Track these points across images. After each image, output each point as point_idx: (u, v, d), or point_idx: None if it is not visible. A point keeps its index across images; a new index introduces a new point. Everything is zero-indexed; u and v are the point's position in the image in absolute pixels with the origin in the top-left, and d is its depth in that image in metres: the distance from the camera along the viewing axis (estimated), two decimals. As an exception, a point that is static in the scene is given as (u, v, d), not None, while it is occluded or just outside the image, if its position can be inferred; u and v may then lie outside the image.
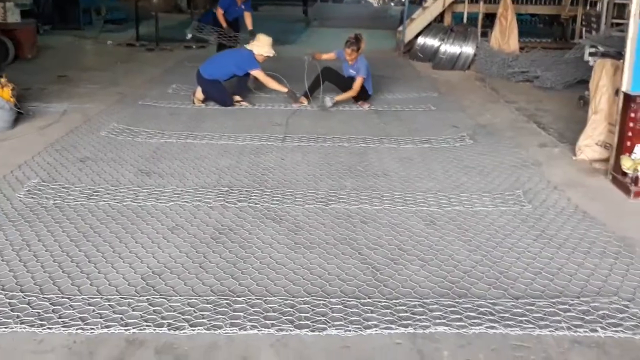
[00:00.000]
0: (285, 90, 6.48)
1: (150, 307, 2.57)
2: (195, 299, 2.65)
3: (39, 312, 2.52)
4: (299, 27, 15.26)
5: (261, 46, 6.38)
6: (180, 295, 2.68)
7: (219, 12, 7.96)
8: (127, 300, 2.62)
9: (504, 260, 3.08)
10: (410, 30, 10.84)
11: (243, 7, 8.06)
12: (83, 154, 4.67)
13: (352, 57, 6.42)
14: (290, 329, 2.45)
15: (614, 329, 2.49)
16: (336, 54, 6.69)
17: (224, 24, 7.95)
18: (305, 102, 6.51)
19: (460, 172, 4.47)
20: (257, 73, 6.38)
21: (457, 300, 2.68)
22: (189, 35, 11.51)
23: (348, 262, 3.02)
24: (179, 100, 6.67)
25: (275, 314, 2.55)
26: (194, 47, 11.34)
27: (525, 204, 3.84)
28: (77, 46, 11.28)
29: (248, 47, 6.44)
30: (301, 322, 2.49)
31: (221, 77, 6.39)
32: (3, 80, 5.34)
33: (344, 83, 6.57)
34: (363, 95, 6.58)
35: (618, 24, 7.28)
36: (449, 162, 4.72)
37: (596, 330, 2.48)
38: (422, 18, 10.85)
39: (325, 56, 6.65)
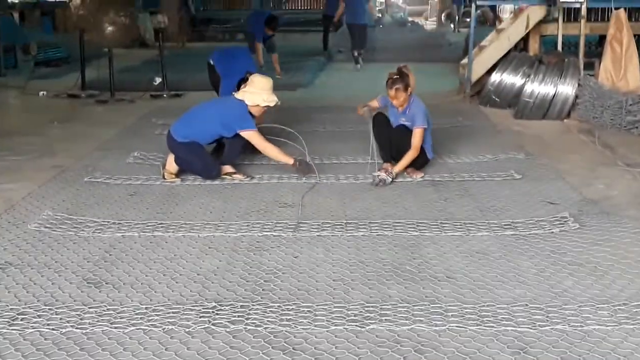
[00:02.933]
0: (291, 161, 6.60)
1: None
2: None
3: None
4: (314, 64, 15.65)
5: (256, 93, 6.53)
6: None
7: (257, 47, 8.26)
8: None
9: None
10: (480, 63, 11.06)
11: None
12: (2, 257, 4.73)
13: (401, 101, 6.60)
14: None
15: None
16: (380, 101, 6.88)
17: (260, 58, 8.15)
18: (389, 176, 6.48)
19: (563, 272, 4.43)
20: (250, 135, 6.48)
21: None
22: (158, 80, 11.95)
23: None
24: (143, 175, 6.81)
25: None
26: (165, 95, 11.67)
27: (663, 318, 3.79)
28: (-5, 100, 11.67)
29: (238, 95, 6.61)
30: None
31: (201, 139, 6.56)
32: None
33: (392, 138, 6.72)
34: (418, 160, 6.68)
35: None
36: (545, 257, 4.70)
37: None
38: (496, 46, 11.08)
39: (375, 104, 6.96)
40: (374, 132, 6.77)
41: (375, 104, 7.01)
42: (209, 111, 6.69)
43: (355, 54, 15.82)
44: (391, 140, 6.74)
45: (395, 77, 6.53)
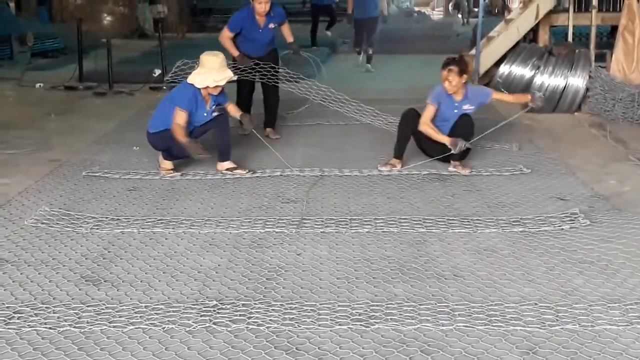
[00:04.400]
0: (201, 156, 6.45)
1: None
2: None
3: None
4: (319, 54, 15.61)
5: (205, 74, 6.44)
6: None
7: (224, 35, 7.85)
8: None
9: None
10: (488, 54, 11.06)
11: (271, 23, 7.89)
12: (-2, 254, 4.76)
13: (454, 85, 6.62)
14: None
15: None
16: (433, 102, 6.72)
17: (234, 52, 7.85)
18: (398, 165, 6.70)
19: (573, 270, 4.43)
20: (175, 112, 6.39)
21: None
22: (158, 72, 11.94)
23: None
24: (143, 169, 6.84)
25: None
26: (164, 87, 11.64)
27: (676, 318, 3.79)
28: (-10, 92, 11.68)
29: (189, 78, 6.57)
30: None
31: (168, 126, 6.50)
32: None
33: (458, 129, 6.69)
34: (464, 152, 6.67)
35: None
36: (554, 254, 4.70)
37: None
38: (504, 36, 11.08)
39: (430, 115, 6.71)
40: (405, 124, 6.80)
41: (429, 114, 6.71)
42: (168, 97, 6.78)
43: (370, 51, 14.47)
44: (454, 128, 6.73)
45: (452, 59, 6.64)
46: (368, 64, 14.44)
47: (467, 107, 6.73)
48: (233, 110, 6.84)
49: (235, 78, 6.69)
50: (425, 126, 6.68)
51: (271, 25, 7.87)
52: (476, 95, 6.78)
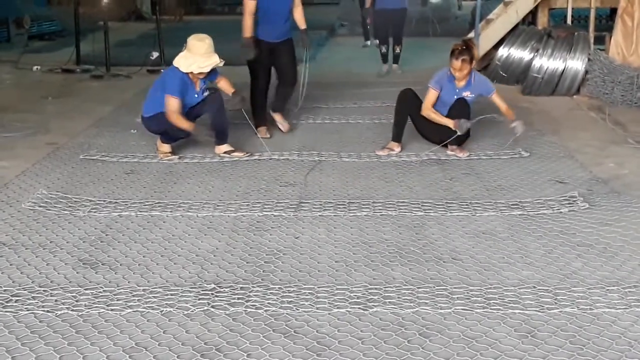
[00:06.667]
0: (191, 127, 6.44)
1: None
2: None
3: None
4: (315, 38, 15.57)
5: (190, 58, 6.38)
6: None
7: (248, 7, 7.21)
8: None
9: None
10: (487, 37, 11.01)
11: None
12: (-4, 237, 4.76)
13: (464, 73, 6.58)
14: None
15: None
16: (435, 87, 6.71)
17: (246, 33, 7.28)
18: (397, 148, 6.71)
19: (571, 254, 4.44)
20: (167, 99, 6.34)
21: None
22: (155, 55, 11.91)
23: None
24: (141, 152, 6.83)
25: None
26: (162, 70, 11.60)
27: (674, 301, 3.79)
28: (-13, 75, 11.64)
29: (175, 61, 6.49)
30: None
31: (160, 109, 6.47)
32: None
33: (453, 113, 6.65)
34: (461, 137, 6.66)
35: None
36: (553, 237, 4.70)
37: None
38: (503, 19, 11.02)
39: (431, 100, 6.71)
40: (402, 106, 6.76)
41: (431, 99, 6.70)
42: (158, 80, 6.71)
43: (398, 50, 11.59)
44: (449, 114, 6.68)
45: (462, 48, 6.54)
46: (396, 63, 11.67)
47: (467, 95, 6.69)
48: (225, 87, 6.77)
49: (221, 64, 6.51)
50: (428, 111, 6.66)
51: None
52: (479, 85, 6.72)
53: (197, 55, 6.37)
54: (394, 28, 11.54)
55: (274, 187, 5.82)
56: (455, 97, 6.69)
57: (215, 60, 6.43)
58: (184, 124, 6.37)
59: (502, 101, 6.71)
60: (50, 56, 13.09)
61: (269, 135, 7.28)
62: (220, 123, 6.64)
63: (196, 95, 6.55)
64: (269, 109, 7.59)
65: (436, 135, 6.73)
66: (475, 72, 6.75)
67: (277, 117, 7.63)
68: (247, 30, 7.26)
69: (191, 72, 6.40)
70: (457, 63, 6.51)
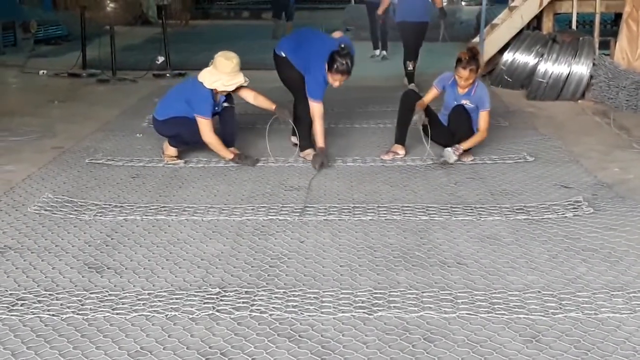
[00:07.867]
0: (230, 156, 6.50)
1: None
2: None
3: None
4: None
5: (216, 75, 6.38)
6: None
7: None
8: None
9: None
10: (492, 42, 11.03)
11: None
12: (1, 241, 4.75)
13: (469, 83, 6.54)
14: None
15: None
16: (438, 86, 6.73)
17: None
18: (401, 151, 6.72)
19: (576, 258, 4.43)
20: (200, 121, 6.35)
21: None
22: (161, 59, 11.94)
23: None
24: (146, 156, 6.84)
25: None
26: (167, 75, 11.67)
27: (679, 306, 3.78)
28: (-6, 79, 11.70)
29: (200, 76, 6.45)
30: None
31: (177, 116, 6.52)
32: None
33: (451, 119, 6.68)
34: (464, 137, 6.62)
35: None
36: (558, 242, 4.70)
37: None
38: (508, 24, 11.04)
39: (429, 98, 6.74)
40: (404, 105, 6.73)
41: (430, 96, 6.74)
42: (181, 89, 6.70)
43: (411, 67, 10.34)
44: (449, 121, 6.71)
45: (470, 57, 6.45)
46: (411, 82, 10.27)
47: (466, 103, 6.64)
48: (263, 103, 6.67)
49: (246, 84, 6.51)
50: (420, 106, 6.62)
51: None
52: (478, 99, 6.61)
53: (223, 74, 6.36)
54: (414, 42, 10.37)
55: (279, 191, 5.82)
56: (455, 102, 6.69)
57: (240, 80, 6.44)
58: (223, 152, 6.49)
59: (485, 122, 6.58)
60: (56, 60, 13.14)
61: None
62: (231, 134, 6.74)
63: (216, 108, 6.56)
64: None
65: (439, 137, 6.72)
66: (479, 82, 6.68)
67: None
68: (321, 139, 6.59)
69: (214, 89, 6.41)
70: (464, 72, 6.45)
